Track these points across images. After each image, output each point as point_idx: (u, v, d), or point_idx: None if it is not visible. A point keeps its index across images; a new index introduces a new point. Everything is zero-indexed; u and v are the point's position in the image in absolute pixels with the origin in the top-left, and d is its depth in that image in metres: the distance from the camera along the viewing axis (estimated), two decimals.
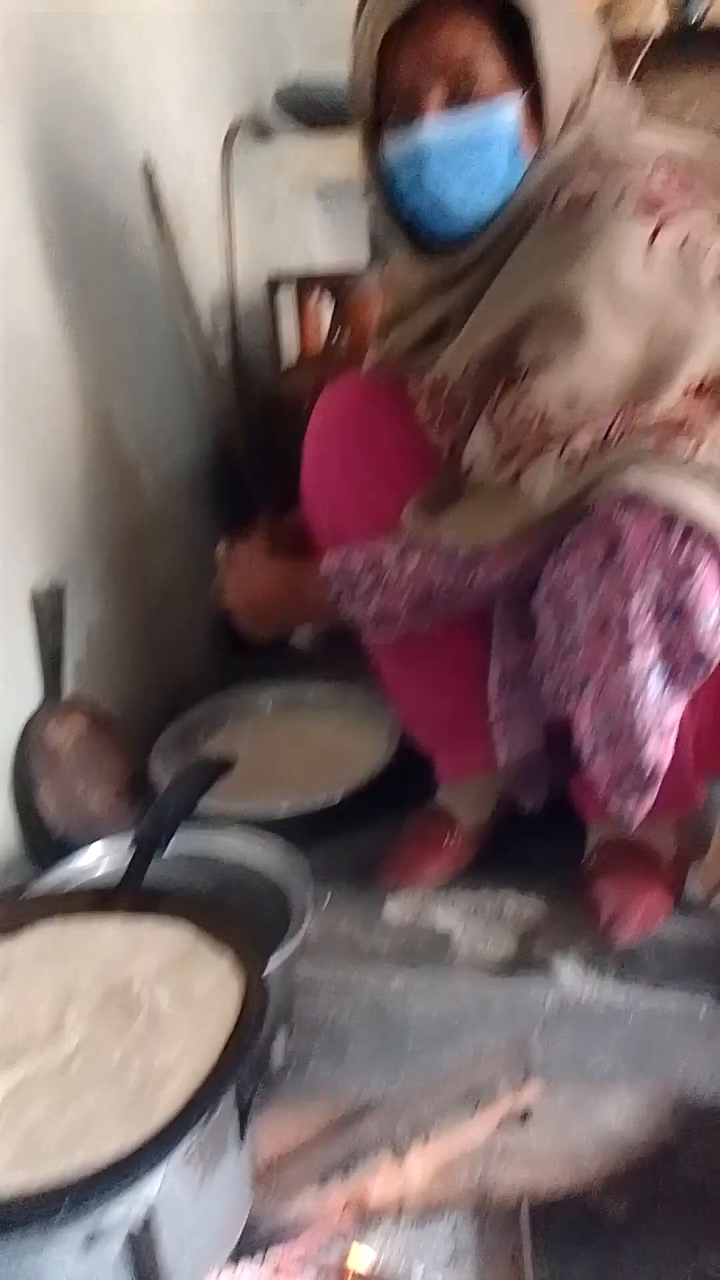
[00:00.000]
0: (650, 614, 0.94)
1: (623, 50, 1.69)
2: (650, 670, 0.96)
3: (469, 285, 1.06)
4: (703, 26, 1.67)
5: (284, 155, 1.91)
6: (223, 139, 1.89)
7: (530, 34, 0.95)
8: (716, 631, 0.93)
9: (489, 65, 0.97)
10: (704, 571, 0.92)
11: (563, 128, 1.01)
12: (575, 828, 1.19)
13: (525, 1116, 0.89)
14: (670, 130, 1.05)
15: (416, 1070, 1.04)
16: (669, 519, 0.91)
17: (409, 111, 1.00)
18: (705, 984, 1.09)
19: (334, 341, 1.71)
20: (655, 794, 1.01)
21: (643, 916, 1.07)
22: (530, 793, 1.19)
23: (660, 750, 1.00)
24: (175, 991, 0.84)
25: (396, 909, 1.19)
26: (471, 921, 1.17)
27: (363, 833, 1.30)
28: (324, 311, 1.86)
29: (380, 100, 1.02)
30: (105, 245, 1.59)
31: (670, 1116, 0.92)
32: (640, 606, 0.94)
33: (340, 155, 1.85)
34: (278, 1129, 0.96)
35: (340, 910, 1.21)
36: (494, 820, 1.24)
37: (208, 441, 1.88)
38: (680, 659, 0.95)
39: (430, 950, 1.19)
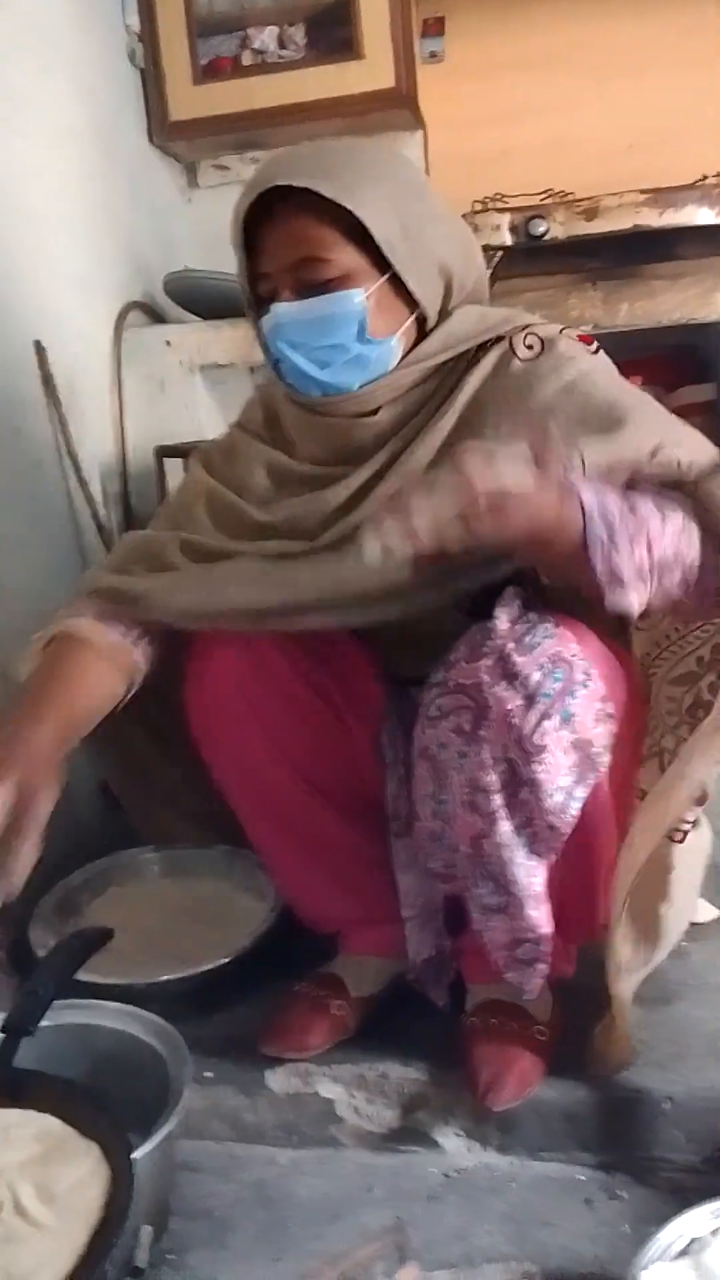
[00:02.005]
0: (506, 786, 1.01)
1: None
2: (515, 836, 1.02)
3: (388, 453, 1.12)
4: (546, 240, 1.85)
5: (172, 338, 2.02)
6: (114, 321, 2.00)
7: (370, 234, 1.05)
8: (565, 806, 1.01)
9: (333, 258, 1.05)
10: (555, 752, 0.99)
11: (451, 304, 1.12)
12: (452, 990, 1.20)
13: None
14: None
15: (299, 1255, 1.01)
16: (529, 698, 0.98)
17: (267, 295, 1.10)
18: (583, 1150, 1.10)
19: None
20: (549, 961, 1.06)
21: (517, 1082, 1.07)
22: (438, 987, 1.20)
23: (540, 916, 1.04)
24: (40, 1187, 0.82)
25: (280, 1080, 1.17)
26: (355, 1092, 1.16)
27: (246, 999, 1.29)
28: None
29: (251, 280, 1.11)
30: None
31: None
32: (499, 778, 1.00)
33: (224, 341, 1.97)
34: None
35: (223, 1084, 1.19)
36: (383, 994, 1.24)
37: None
38: (538, 828, 1.01)
39: (314, 1124, 1.17)
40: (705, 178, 2.09)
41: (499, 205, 2.00)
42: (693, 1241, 0.88)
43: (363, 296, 1.07)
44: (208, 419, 2.05)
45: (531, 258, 1.91)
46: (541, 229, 1.88)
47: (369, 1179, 1.11)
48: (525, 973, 1.08)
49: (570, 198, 1.97)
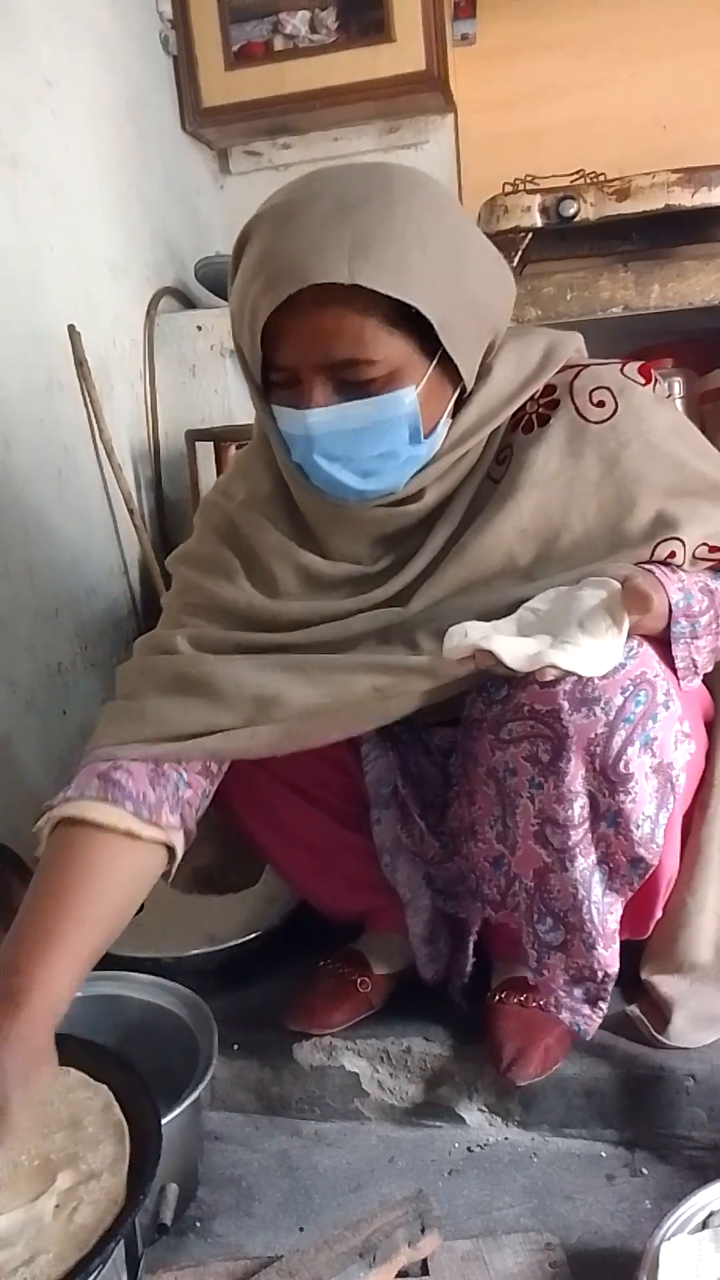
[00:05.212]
0: (588, 820, 0.95)
1: (505, 244, 1.86)
2: (592, 873, 0.97)
3: (442, 537, 0.99)
4: (577, 221, 1.84)
5: (203, 323, 2.04)
6: (146, 306, 2.02)
7: (428, 322, 0.88)
8: (652, 836, 0.96)
9: (379, 355, 0.88)
10: (640, 779, 0.93)
11: (490, 358, 0.98)
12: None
13: (424, 1271, 0.89)
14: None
15: (321, 1224, 1.02)
16: (611, 724, 0.91)
17: (294, 396, 0.91)
18: (605, 1127, 1.10)
19: None
20: (608, 1001, 1.02)
21: (541, 1058, 1.08)
22: (455, 987, 1.18)
23: (610, 955, 1.00)
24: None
25: (305, 1054, 1.19)
26: (379, 1067, 1.17)
27: (273, 975, 1.31)
28: None
29: (266, 369, 0.92)
30: (31, 402, 1.66)
31: (567, 1265, 0.92)
32: (581, 812, 0.95)
33: None
34: None
35: (250, 1056, 1.21)
36: (407, 971, 1.24)
37: (129, 584, 1.93)
38: (618, 862, 0.97)
39: (339, 1096, 1.18)
40: None
41: (529, 187, 1.98)
42: (712, 1214, 0.88)
43: (414, 394, 0.90)
44: (238, 403, 2.07)
45: (562, 239, 1.91)
46: (572, 210, 1.87)
47: (391, 1151, 1.13)
48: (583, 1013, 1.03)
49: (601, 178, 1.96)
